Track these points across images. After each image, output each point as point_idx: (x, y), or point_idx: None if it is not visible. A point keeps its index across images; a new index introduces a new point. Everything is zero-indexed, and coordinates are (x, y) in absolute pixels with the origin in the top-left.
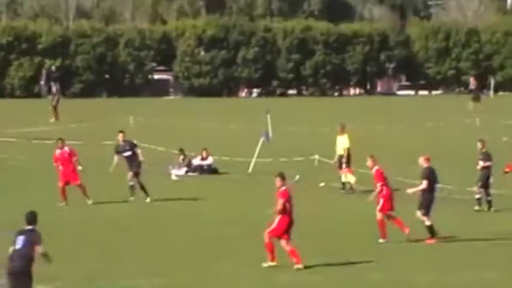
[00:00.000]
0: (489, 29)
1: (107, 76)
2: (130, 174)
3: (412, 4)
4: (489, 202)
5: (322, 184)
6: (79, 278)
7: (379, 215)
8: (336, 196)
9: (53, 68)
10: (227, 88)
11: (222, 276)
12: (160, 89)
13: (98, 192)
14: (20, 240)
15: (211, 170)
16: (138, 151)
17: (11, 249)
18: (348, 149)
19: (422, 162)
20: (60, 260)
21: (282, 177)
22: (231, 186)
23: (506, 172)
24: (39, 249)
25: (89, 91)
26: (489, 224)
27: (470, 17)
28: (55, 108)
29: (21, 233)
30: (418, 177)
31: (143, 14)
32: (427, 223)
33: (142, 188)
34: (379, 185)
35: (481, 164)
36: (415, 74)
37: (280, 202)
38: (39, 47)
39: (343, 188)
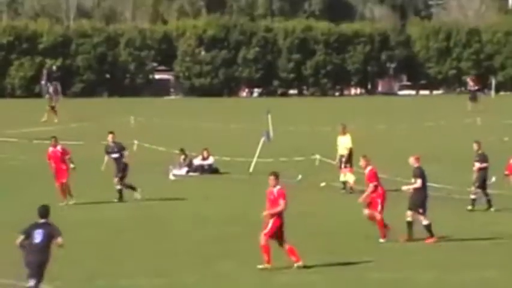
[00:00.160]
0: (490, 29)
1: (108, 76)
2: (116, 179)
3: (413, 4)
4: (489, 201)
5: (323, 184)
6: (79, 278)
7: (378, 216)
8: (337, 196)
9: (54, 67)
10: (228, 88)
11: (223, 276)
12: (161, 89)
13: (98, 192)
14: (38, 234)
15: (212, 170)
16: (126, 153)
17: (20, 239)
18: (351, 149)
19: (413, 162)
20: (60, 260)
21: (276, 176)
22: (232, 186)
23: (507, 175)
24: (60, 241)
25: (89, 91)
26: (489, 223)
27: (471, 16)
28: (53, 108)
29: (37, 226)
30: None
31: (144, 14)
32: (425, 222)
33: (130, 187)
34: (371, 185)
35: (477, 165)
36: (416, 74)
37: (282, 203)
38: (40, 46)
39: (344, 188)
